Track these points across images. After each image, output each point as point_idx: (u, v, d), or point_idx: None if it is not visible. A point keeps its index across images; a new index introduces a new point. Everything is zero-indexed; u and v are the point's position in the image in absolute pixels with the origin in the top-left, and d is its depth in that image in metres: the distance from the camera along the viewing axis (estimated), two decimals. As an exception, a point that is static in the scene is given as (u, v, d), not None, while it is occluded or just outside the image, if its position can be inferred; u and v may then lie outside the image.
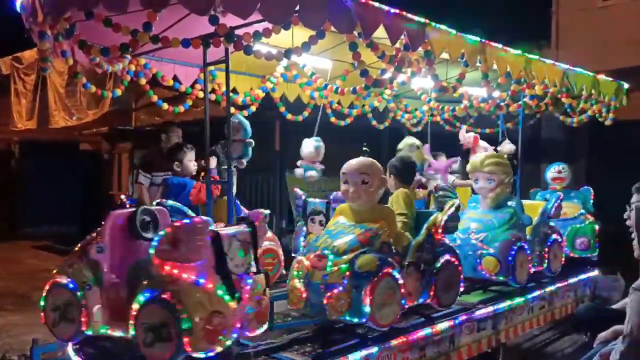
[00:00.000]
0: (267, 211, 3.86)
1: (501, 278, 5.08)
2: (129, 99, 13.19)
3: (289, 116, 6.68)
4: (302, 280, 3.82)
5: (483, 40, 4.84)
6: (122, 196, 4.33)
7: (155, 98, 5.69)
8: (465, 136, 7.22)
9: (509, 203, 5.42)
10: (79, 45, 3.89)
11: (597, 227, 6.81)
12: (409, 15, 4.11)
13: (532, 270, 5.43)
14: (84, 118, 10.67)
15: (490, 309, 4.86)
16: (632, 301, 3.12)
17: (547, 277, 5.86)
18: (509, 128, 7.78)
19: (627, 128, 10.13)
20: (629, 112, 7.57)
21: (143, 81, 5.22)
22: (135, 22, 3.57)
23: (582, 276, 6.35)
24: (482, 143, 7.21)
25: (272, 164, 10.46)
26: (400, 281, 3.82)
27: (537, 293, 5.52)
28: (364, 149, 6.39)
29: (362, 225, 3.90)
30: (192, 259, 3.02)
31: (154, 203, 4.27)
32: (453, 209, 4.35)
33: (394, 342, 3.90)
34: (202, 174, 5.22)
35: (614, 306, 4.63)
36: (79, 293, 3.37)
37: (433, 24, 4.31)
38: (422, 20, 4.21)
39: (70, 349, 3.59)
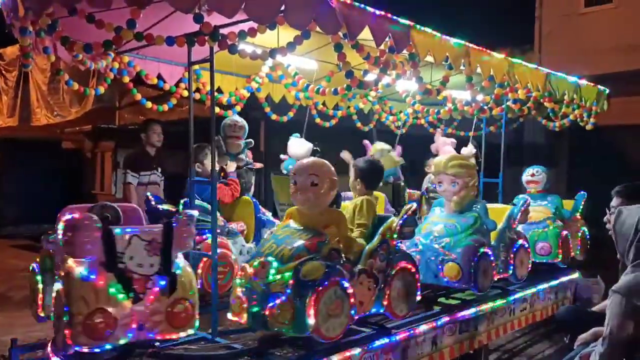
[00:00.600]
0: (195, 212, 3.51)
1: (463, 285, 4.87)
2: (113, 97, 13.12)
3: (274, 116, 6.68)
4: (244, 289, 3.56)
5: (467, 44, 4.87)
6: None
7: (139, 96, 5.65)
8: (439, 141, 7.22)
9: (474, 207, 5.17)
10: (62, 42, 3.84)
11: (580, 231, 6.77)
12: (394, 18, 4.13)
13: (497, 277, 5.20)
14: (66, 116, 10.58)
15: (472, 310, 4.88)
16: (612, 303, 3.15)
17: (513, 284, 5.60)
18: (492, 131, 7.83)
19: (607, 133, 10.27)
20: (608, 117, 7.66)
21: (127, 79, 5.18)
22: (119, 19, 3.55)
23: (563, 279, 6.40)
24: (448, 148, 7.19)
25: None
26: (350, 290, 3.56)
27: (518, 295, 5.55)
28: (315, 148, 6.29)
29: (311, 230, 3.64)
30: (79, 254, 3.04)
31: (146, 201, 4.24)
32: (409, 213, 4.12)
33: (376, 343, 3.90)
34: (222, 174, 5.36)
35: (594, 308, 4.67)
36: (38, 277, 3.66)
37: (418, 26, 4.33)
38: (407, 22, 4.23)
39: (49, 349, 3.55)
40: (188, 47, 3.80)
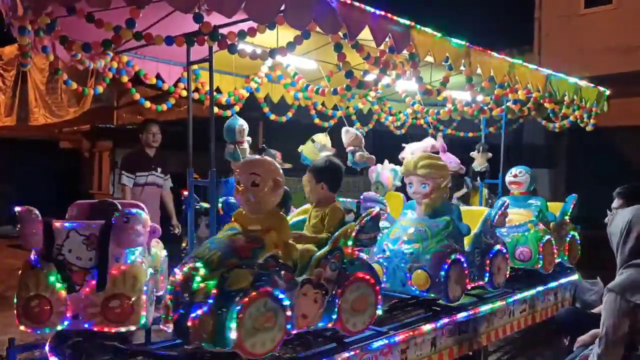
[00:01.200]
0: (137, 211, 3.40)
1: (432, 295, 4.48)
2: (111, 97, 13.09)
3: (273, 117, 6.66)
4: (172, 296, 3.24)
5: (468, 44, 4.86)
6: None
7: (137, 96, 5.64)
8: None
9: (449, 210, 4.83)
10: (60, 41, 3.83)
11: (567, 236, 6.38)
12: (394, 18, 4.11)
13: (471, 285, 4.83)
14: (64, 115, 10.53)
15: (471, 312, 4.86)
16: (606, 302, 3.16)
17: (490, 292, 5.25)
18: (491, 132, 7.83)
19: (606, 134, 10.27)
20: (607, 118, 7.66)
21: (125, 79, 5.17)
22: (118, 18, 3.53)
23: (563, 280, 6.39)
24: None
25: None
26: (286, 302, 3.21)
27: (518, 297, 5.54)
28: (262, 146, 6.06)
29: (249, 234, 3.34)
30: (27, 245, 3.29)
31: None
32: (367, 218, 3.70)
33: (375, 345, 3.88)
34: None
35: (593, 310, 4.67)
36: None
37: (418, 26, 4.32)
38: (407, 22, 4.22)
39: (46, 349, 3.54)
40: (187, 46, 3.79)
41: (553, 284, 6.18)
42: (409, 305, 4.77)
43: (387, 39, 4.09)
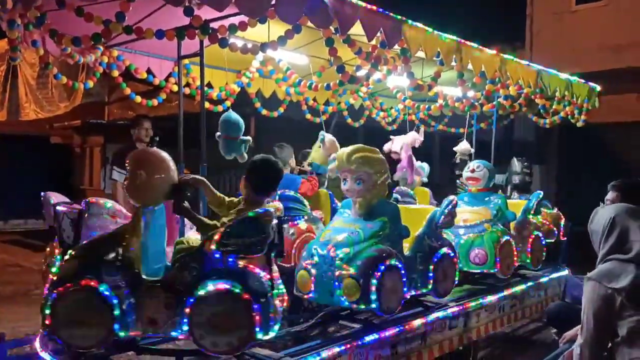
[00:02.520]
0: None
1: (362, 307, 3.93)
2: (102, 92, 13.04)
3: (264, 112, 6.65)
4: None
5: (459, 40, 4.87)
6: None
7: (128, 91, 5.61)
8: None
9: (387, 209, 4.26)
10: (50, 35, 3.81)
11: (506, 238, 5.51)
12: (386, 12, 4.12)
13: (410, 294, 4.29)
14: (55, 111, 10.47)
15: (461, 306, 4.88)
16: (586, 291, 3.21)
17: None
18: (482, 128, 7.85)
19: (596, 130, 10.33)
20: (598, 114, 7.71)
21: (116, 73, 5.15)
22: (108, 12, 3.51)
23: (553, 275, 6.43)
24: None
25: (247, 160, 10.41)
26: (115, 300, 3.03)
27: (508, 292, 5.57)
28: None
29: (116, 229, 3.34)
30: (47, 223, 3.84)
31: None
32: (238, 221, 3.23)
33: (366, 339, 3.89)
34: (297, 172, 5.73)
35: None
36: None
37: (409, 21, 4.32)
38: (399, 17, 4.22)
39: (37, 344, 3.53)
40: (178, 40, 3.78)
41: (543, 280, 6.22)
42: (340, 318, 4.26)
43: (378, 34, 4.09)
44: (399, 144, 6.79)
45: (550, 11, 12.96)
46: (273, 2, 3.42)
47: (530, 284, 5.96)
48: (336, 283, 3.92)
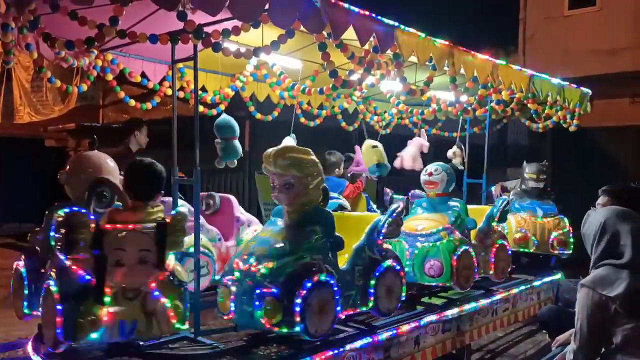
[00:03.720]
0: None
1: (285, 330, 3.50)
2: (97, 95, 13.04)
3: (259, 116, 6.66)
4: None
5: (451, 44, 4.89)
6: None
7: (122, 94, 5.60)
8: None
9: (322, 217, 3.82)
10: (43, 38, 3.82)
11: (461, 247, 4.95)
12: (379, 17, 4.14)
13: (345, 313, 3.86)
14: (49, 114, 10.50)
15: (454, 310, 4.89)
16: (580, 297, 3.22)
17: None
18: (476, 133, 7.88)
19: (589, 134, 10.39)
20: (590, 119, 7.75)
21: (110, 77, 5.14)
22: (102, 16, 3.52)
23: (546, 279, 6.45)
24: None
25: (242, 164, 10.43)
26: None
27: (501, 296, 5.58)
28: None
29: None
30: None
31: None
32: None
33: (359, 343, 3.90)
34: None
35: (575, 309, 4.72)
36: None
37: (402, 26, 4.34)
38: (392, 22, 4.25)
39: (29, 348, 3.52)
40: (172, 44, 3.78)
41: (536, 283, 6.24)
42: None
43: (371, 39, 4.11)
44: (408, 158, 6.88)
45: (543, 15, 13.03)
46: (266, 7, 3.43)
47: (523, 287, 5.98)
48: (257, 302, 3.47)
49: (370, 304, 4.01)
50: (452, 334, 4.86)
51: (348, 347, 3.82)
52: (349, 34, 3.93)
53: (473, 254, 5.09)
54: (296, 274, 3.50)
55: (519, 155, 11.35)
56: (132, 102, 5.69)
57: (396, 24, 4.28)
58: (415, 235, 5.00)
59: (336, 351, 3.73)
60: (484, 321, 5.32)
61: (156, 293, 3.21)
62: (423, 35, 4.59)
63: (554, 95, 6.41)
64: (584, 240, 3.45)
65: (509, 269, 5.74)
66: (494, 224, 5.55)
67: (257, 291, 3.47)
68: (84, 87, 5.31)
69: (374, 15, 4.10)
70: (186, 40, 3.62)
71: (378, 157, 6.21)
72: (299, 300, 3.43)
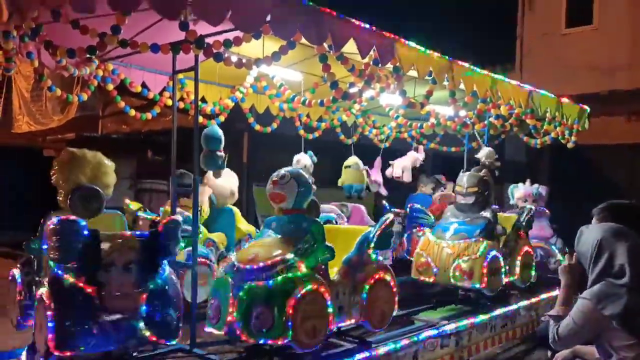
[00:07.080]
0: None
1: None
2: (96, 105, 12.99)
3: (258, 127, 6.67)
4: None
5: (451, 59, 4.91)
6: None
7: (122, 104, 5.61)
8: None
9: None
10: (45, 46, 3.82)
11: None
12: (379, 31, 4.16)
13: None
14: (48, 124, 10.46)
15: (453, 325, 4.87)
16: (579, 304, 3.17)
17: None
18: (474, 148, 7.88)
19: (586, 151, 10.40)
20: (587, 136, 7.77)
21: (110, 87, 5.15)
22: (104, 25, 3.53)
23: (543, 295, 6.42)
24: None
25: (240, 176, 10.42)
26: None
27: (499, 311, 5.55)
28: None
29: None
30: None
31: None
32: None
33: (357, 357, 3.88)
34: None
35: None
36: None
37: (402, 40, 4.36)
38: (392, 35, 4.27)
39: (23, 357, 3.50)
40: (173, 54, 3.79)
41: (535, 299, 6.22)
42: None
43: (371, 52, 4.13)
44: (399, 168, 6.91)
45: (541, 33, 13.11)
46: (268, 18, 3.45)
47: (522, 303, 5.96)
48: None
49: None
50: (450, 349, 4.84)
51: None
52: (350, 47, 3.95)
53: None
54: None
55: (516, 171, 11.38)
56: (132, 113, 5.70)
57: (396, 37, 4.31)
58: (244, 270, 3.69)
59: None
60: (482, 337, 5.30)
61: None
62: (423, 49, 4.61)
63: (552, 111, 6.43)
64: (579, 258, 3.39)
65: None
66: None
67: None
68: (84, 97, 5.31)
69: (374, 28, 4.12)
70: (187, 50, 3.63)
71: (353, 178, 6.85)
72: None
